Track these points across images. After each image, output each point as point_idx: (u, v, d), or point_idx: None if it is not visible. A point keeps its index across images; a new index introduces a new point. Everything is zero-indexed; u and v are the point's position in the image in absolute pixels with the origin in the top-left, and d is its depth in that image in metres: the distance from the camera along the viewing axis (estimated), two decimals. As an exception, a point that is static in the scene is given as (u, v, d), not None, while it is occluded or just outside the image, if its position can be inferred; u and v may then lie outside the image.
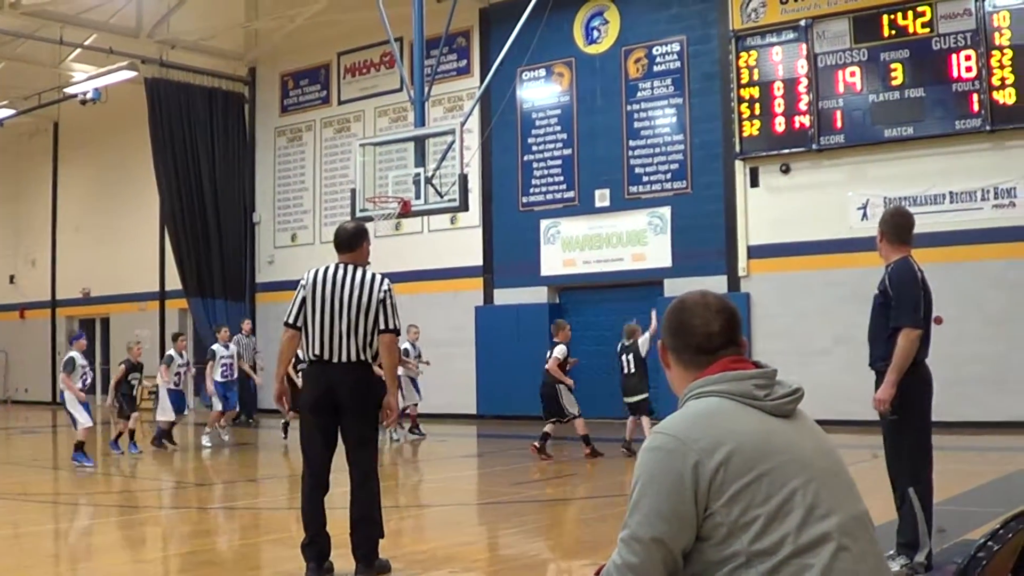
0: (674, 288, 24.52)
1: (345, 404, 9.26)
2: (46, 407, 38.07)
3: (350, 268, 9.39)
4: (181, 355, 23.24)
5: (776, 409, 3.54)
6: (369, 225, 26.22)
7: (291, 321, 9.40)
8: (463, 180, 21.24)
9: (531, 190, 27.96)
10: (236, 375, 24.26)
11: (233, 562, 10.90)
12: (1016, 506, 4.22)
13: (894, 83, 22.93)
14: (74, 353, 19.85)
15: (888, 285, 8.77)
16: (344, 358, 9.24)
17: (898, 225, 9.06)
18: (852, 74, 23.44)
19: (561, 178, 27.44)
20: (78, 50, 33.27)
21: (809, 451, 3.50)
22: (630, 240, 26.24)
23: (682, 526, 3.34)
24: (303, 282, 9.43)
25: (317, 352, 9.28)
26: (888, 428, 8.70)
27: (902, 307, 8.62)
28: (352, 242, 9.57)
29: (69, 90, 35.11)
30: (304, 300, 9.34)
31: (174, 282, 34.65)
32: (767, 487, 3.34)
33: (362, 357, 9.30)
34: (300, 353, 10.31)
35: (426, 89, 22.82)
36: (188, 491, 17.03)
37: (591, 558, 10.26)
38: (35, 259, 42.71)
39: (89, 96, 33.95)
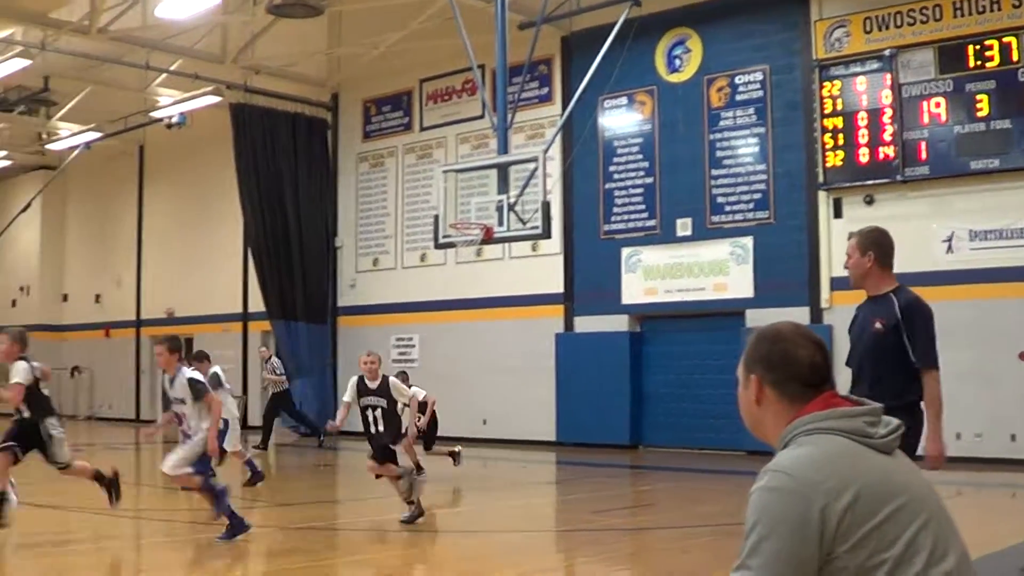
0: (756, 319, 24.35)
1: None
2: (129, 423, 38.57)
3: None
4: None
5: (885, 447, 3.46)
6: (451, 251, 26.61)
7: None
8: (546, 208, 21.30)
9: (612, 218, 27.91)
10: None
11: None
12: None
13: (979, 114, 22.70)
14: None
15: (901, 318, 8.10)
16: None
17: (889, 247, 8.46)
18: (937, 105, 23.22)
19: (643, 206, 27.38)
20: (164, 75, 33.64)
21: (923, 489, 3.44)
22: (712, 270, 26.12)
23: (804, 571, 3.25)
24: None
25: None
26: None
27: (927, 346, 8.05)
28: None
29: (155, 114, 35.59)
30: None
31: (257, 304, 35.02)
32: (893, 529, 3.28)
33: None
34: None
35: (508, 117, 22.88)
36: (271, 511, 17.16)
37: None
38: (120, 279, 43.27)
39: (175, 120, 34.46)
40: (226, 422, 17.56)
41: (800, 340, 3.64)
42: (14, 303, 47.72)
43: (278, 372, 28.53)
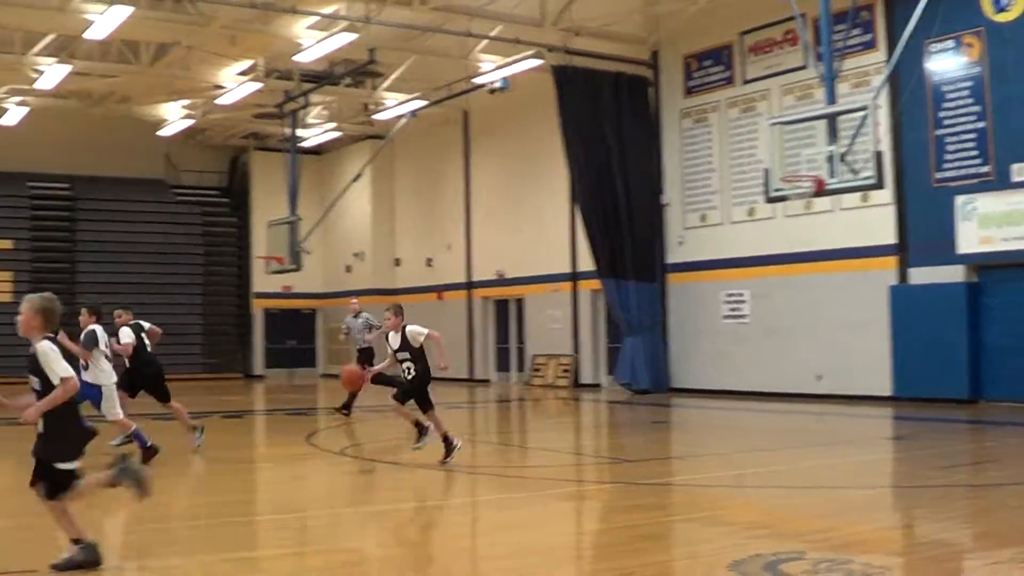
0: (1101, 267, 23.47)
1: None
2: (462, 383, 39.58)
3: None
4: None
5: None
6: (779, 204, 26.40)
7: None
8: (878, 157, 20.95)
9: (944, 165, 27.16)
10: None
11: (667, 538, 11.12)
12: None
13: None
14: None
15: None
16: None
17: None
18: None
19: (975, 152, 26.49)
20: (485, 41, 34.18)
21: None
22: (1051, 216, 25.19)
23: None
24: None
25: None
26: None
27: None
28: None
29: (478, 80, 36.27)
30: None
31: (585, 264, 35.46)
32: None
33: None
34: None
35: (834, 65, 22.57)
36: (608, 467, 17.37)
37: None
38: (451, 243, 44.38)
39: (497, 85, 35.07)
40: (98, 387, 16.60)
41: None
42: (349, 268, 49.56)
43: (373, 326, 26.80)
